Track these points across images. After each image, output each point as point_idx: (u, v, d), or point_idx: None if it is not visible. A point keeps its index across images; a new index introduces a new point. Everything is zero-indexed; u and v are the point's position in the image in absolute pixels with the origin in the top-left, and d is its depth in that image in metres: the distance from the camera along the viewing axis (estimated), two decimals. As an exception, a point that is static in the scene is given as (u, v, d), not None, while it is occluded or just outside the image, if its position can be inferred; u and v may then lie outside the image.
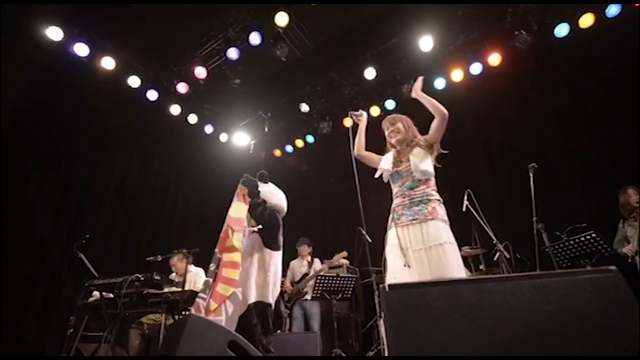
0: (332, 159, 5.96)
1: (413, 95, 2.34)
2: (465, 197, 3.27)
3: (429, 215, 2.10)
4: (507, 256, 3.21)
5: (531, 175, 3.15)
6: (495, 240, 3.23)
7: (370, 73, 5.24)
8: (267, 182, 2.74)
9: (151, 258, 3.44)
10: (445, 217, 2.15)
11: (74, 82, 4.70)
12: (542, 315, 0.99)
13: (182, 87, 5.35)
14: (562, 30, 4.43)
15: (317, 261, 4.65)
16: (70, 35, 4.41)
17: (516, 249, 3.41)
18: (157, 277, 2.96)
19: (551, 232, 3.23)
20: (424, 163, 2.22)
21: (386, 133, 2.44)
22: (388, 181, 2.38)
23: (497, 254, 3.28)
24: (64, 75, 4.60)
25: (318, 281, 3.66)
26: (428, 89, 5.19)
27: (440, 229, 2.05)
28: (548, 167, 4.46)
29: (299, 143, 6.49)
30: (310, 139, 6.39)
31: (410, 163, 2.25)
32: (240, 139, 6.60)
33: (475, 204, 3.23)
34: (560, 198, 4.31)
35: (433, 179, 2.26)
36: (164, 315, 3.03)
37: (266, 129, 6.45)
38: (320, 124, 6.01)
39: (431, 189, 2.22)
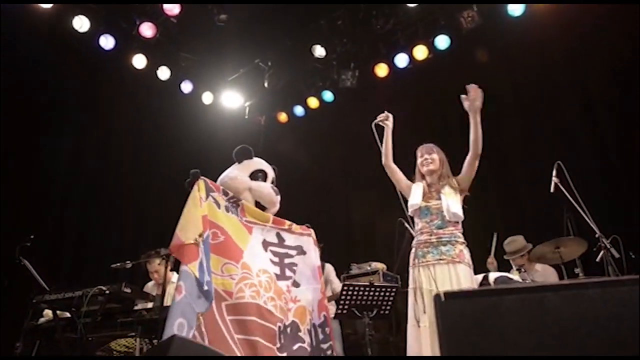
0: (360, 123, 5.90)
1: (467, 107, 2.83)
2: (554, 173, 3.24)
3: (457, 258, 2.82)
4: (616, 255, 3.15)
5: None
6: (598, 234, 3.18)
7: (412, -3, 5.14)
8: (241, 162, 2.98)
9: (118, 265, 3.56)
10: (471, 262, 2.88)
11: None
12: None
13: (147, 29, 5.40)
14: None
15: (329, 268, 4.64)
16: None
17: (629, 245, 3.34)
18: (127, 290, 3.06)
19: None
20: (456, 206, 2.88)
21: (419, 160, 3.11)
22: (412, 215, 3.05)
23: (601, 252, 3.22)
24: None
25: (345, 292, 3.71)
26: (499, 18, 5.14)
27: (468, 275, 2.81)
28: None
29: (313, 102, 6.48)
30: (328, 95, 6.36)
31: (441, 202, 2.91)
32: (231, 99, 6.64)
33: (568, 181, 3.17)
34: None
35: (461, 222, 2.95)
36: (138, 339, 3.16)
37: (266, 84, 6.45)
38: (342, 75, 5.97)
39: (459, 231, 2.93)
